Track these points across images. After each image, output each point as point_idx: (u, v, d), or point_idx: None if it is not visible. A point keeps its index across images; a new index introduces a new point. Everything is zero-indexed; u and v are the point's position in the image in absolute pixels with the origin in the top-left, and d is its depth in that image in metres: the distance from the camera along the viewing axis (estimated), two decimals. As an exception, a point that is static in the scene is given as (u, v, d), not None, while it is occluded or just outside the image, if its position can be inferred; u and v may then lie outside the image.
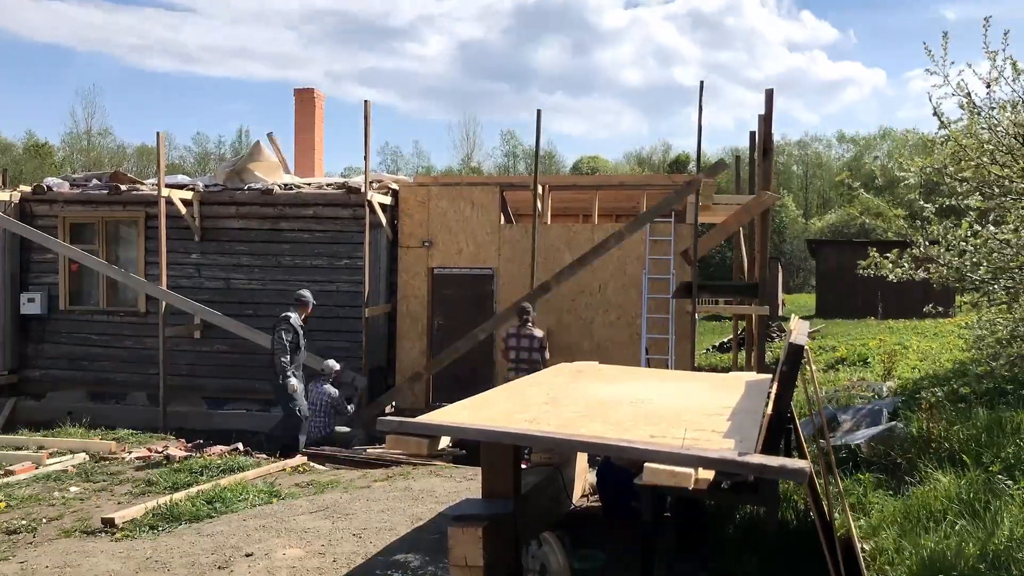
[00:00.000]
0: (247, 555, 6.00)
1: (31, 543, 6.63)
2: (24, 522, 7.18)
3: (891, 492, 6.30)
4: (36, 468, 9.31)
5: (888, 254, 8.75)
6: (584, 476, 7.59)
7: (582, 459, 7.45)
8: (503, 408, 5.04)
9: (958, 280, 8.04)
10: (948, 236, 7.97)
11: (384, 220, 13.00)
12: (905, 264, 8.37)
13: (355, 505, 7.33)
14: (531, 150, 32.54)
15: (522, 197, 13.87)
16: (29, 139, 61.99)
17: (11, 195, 13.86)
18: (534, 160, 12.61)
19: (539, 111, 11.96)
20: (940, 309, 9.15)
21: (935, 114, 7.76)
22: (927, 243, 8.21)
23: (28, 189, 14.23)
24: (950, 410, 7.26)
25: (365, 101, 12.27)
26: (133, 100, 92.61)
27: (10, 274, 13.98)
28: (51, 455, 9.97)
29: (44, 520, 7.26)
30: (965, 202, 7.97)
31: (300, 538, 6.36)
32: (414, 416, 4.85)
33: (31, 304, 13.88)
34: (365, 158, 12.43)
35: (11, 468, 9.31)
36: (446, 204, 13.29)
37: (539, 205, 12.63)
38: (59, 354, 13.57)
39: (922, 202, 8.44)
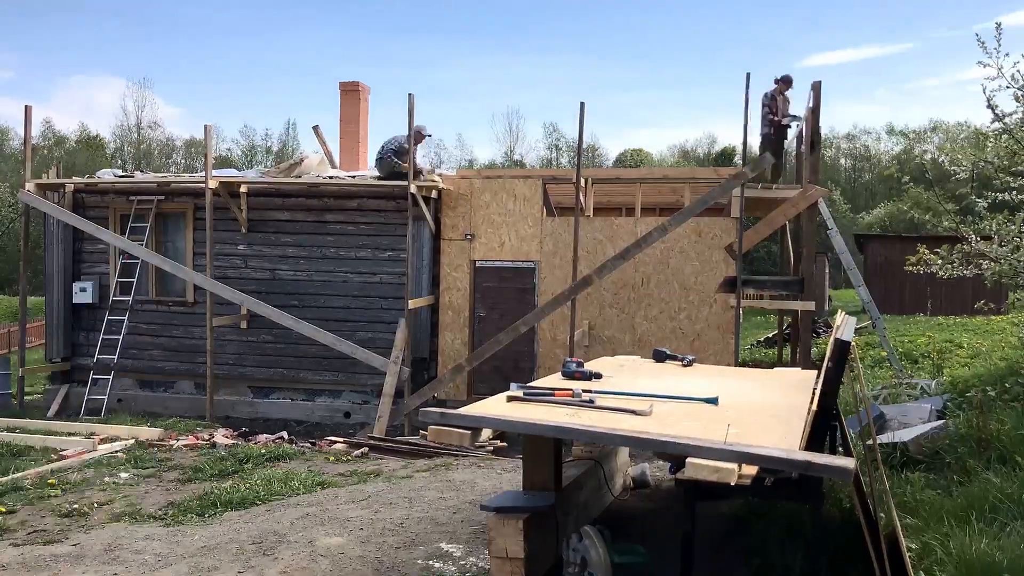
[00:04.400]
0: (291, 542, 6.09)
1: (83, 526, 6.81)
2: (76, 506, 7.36)
3: (939, 491, 6.18)
4: (88, 454, 9.55)
5: (938, 249, 8.60)
6: (625, 470, 7.57)
7: (623, 453, 7.43)
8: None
9: (1011, 276, 7.87)
10: (1001, 231, 7.80)
11: (427, 212, 13.06)
12: (955, 260, 8.21)
13: (397, 495, 7.40)
14: (574, 143, 32.46)
15: (565, 190, 13.84)
16: (82, 132, 63.43)
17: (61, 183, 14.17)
18: (577, 153, 12.57)
19: (582, 103, 11.90)
20: (992, 306, 8.97)
21: (989, 106, 7.59)
22: (979, 239, 8.04)
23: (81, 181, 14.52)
24: (1002, 408, 7.11)
25: (409, 94, 12.33)
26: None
27: (63, 264, 14.31)
28: (102, 441, 10.22)
29: (96, 504, 7.43)
30: (1020, 197, 7.78)
31: (343, 527, 6.44)
32: (456, 407, 4.88)
33: (83, 293, 14.19)
34: (410, 151, 12.49)
35: (64, 453, 9.56)
36: (489, 197, 13.31)
37: (582, 198, 12.59)
38: (109, 343, 13.85)
39: (974, 197, 8.27)
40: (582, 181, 12.52)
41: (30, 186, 13.63)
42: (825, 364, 4.77)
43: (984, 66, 7.37)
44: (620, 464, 7.28)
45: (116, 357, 13.72)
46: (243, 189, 13.61)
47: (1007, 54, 7.31)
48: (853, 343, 4.95)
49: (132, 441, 10.28)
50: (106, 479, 8.46)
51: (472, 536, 6.04)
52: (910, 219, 40.64)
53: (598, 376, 5.89)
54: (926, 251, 8.49)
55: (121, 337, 13.79)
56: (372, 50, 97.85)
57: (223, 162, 51.95)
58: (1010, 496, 5.35)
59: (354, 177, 14.03)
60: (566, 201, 14.21)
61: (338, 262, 13.63)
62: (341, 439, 10.88)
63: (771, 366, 13.93)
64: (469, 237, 13.34)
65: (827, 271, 21.31)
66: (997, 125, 7.78)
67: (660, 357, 7.25)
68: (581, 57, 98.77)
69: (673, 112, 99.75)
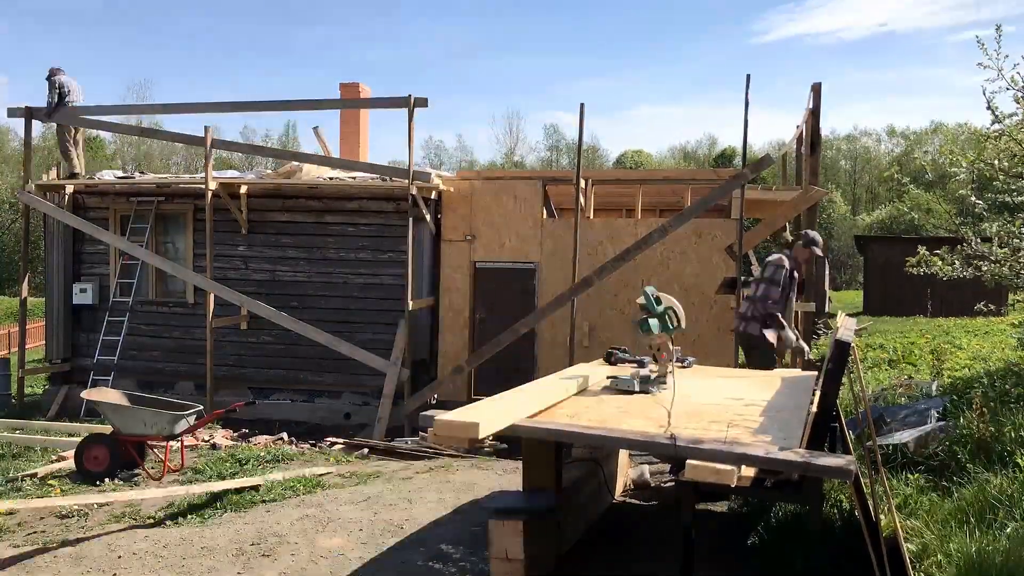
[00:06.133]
0: (291, 543, 6.09)
1: (83, 528, 6.81)
2: (76, 507, 7.36)
3: (939, 492, 6.18)
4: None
5: (938, 251, 8.59)
6: (626, 471, 7.57)
7: (623, 454, 7.43)
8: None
9: (1012, 278, 7.87)
10: (1001, 233, 7.80)
11: (427, 214, 13.06)
12: (955, 262, 8.21)
13: (397, 496, 7.40)
14: (574, 144, 32.46)
15: (565, 191, 13.83)
16: (82, 133, 63.40)
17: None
18: (576, 154, 12.57)
19: (582, 104, 11.90)
20: (992, 307, 8.97)
21: (988, 108, 7.59)
22: (979, 240, 8.03)
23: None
24: (1002, 410, 7.10)
25: (409, 96, 12.32)
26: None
27: (63, 265, 14.31)
28: (102, 442, 10.18)
29: (95, 506, 7.43)
30: (1020, 198, 7.78)
31: (343, 528, 6.43)
32: (456, 408, 4.87)
33: (83, 294, 14.19)
34: (409, 152, 12.50)
35: (64, 454, 9.55)
36: (489, 198, 13.31)
37: (582, 199, 12.58)
38: (109, 344, 13.85)
39: (974, 198, 8.27)
40: (582, 182, 12.52)
41: (30, 187, 13.64)
42: (825, 365, 4.77)
43: (984, 68, 7.38)
44: (621, 464, 7.28)
45: (116, 358, 13.72)
46: (243, 191, 13.61)
47: (1007, 56, 7.31)
48: (853, 344, 4.95)
49: (132, 442, 10.26)
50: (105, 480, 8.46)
51: (473, 537, 6.04)
52: (910, 220, 40.70)
53: (598, 377, 5.88)
54: (926, 252, 8.49)
55: (121, 338, 13.79)
56: (371, 50, 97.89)
57: (223, 163, 51.94)
58: (1010, 497, 5.34)
59: (354, 179, 14.04)
60: (566, 202, 14.21)
61: (338, 263, 13.63)
62: (341, 440, 10.88)
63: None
64: (469, 238, 13.33)
65: (827, 272, 21.34)
66: (997, 127, 7.78)
67: (660, 358, 7.23)
68: (581, 47, 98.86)
69: (674, 102, 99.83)
